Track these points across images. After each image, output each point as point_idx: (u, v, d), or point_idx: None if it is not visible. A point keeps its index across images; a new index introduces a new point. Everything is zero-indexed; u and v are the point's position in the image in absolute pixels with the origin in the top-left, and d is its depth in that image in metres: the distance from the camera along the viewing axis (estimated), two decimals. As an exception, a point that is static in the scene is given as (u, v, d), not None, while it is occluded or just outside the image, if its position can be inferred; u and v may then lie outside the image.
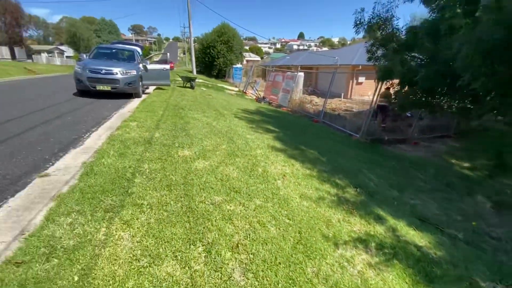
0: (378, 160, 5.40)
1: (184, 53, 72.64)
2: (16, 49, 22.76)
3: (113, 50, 9.17)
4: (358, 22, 6.24)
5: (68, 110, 5.91)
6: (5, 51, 21.20)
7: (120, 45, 10.70)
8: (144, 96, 8.71)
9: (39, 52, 36.41)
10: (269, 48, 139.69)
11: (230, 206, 2.19)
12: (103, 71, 7.45)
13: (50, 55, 39.21)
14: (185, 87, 11.67)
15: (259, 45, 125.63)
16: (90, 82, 7.42)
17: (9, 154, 3.19)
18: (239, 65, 27.41)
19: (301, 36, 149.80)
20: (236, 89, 18.85)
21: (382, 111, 9.12)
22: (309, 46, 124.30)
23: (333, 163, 4.07)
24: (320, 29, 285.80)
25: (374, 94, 7.11)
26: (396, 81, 6.37)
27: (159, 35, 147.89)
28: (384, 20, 6.41)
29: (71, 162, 3.10)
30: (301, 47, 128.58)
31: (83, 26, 52.63)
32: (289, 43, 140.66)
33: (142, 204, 2.08)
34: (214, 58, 27.20)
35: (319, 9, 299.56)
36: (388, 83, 6.49)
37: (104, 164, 2.80)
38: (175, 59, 78.67)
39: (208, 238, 1.77)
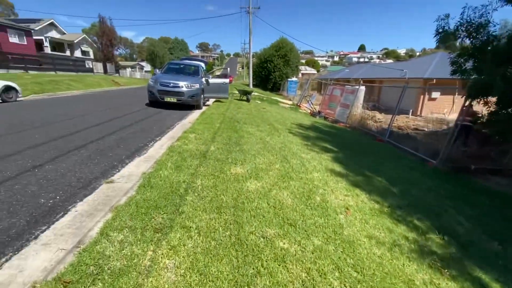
0: (465, 196, 4.33)
1: (242, 68, 76.91)
2: (108, 65, 27.65)
3: (181, 66, 10.05)
4: (441, 30, 5.34)
5: (140, 119, 6.54)
6: (99, 66, 26.12)
7: (188, 60, 11.73)
8: (204, 108, 9.21)
9: (124, 67, 43.43)
10: (326, 61, 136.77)
11: (284, 243, 1.89)
12: (171, 85, 8.15)
13: (132, 69, 46.31)
14: (241, 99, 12.02)
15: (316, 58, 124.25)
16: (160, 94, 8.19)
17: (87, 158, 3.56)
18: (294, 79, 27.31)
19: (361, 48, 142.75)
20: (290, 102, 18.66)
21: (465, 133, 7.58)
22: (371, 58, 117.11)
23: (407, 196, 3.37)
24: (383, 40, 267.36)
25: (462, 112, 5.90)
26: (492, 99, 5.17)
27: (221, 51, 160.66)
28: (477, 27, 5.34)
29: (134, 170, 3.27)
30: (361, 60, 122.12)
31: (160, 45, 60.80)
32: (348, 55, 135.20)
33: (190, 227, 1.95)
34: (270, 72, 27.77)
35: (382, 20, 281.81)
36: (481, 100, 5.29)
37: (161, 177, 2.84)
38: (234, 73, 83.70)
39: (257, 284, 1.49)
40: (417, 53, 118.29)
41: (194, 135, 4.70)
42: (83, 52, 38.83)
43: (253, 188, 2.72)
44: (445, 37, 5.38)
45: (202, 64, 11.51)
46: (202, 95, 9.23)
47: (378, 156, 5.60)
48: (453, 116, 18.69)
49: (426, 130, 13.69)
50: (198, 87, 8.57)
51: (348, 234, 2.12)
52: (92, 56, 39.12)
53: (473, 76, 5.52)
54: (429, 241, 2.38)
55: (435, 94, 17.70)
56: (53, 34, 35.76)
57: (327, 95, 13.34)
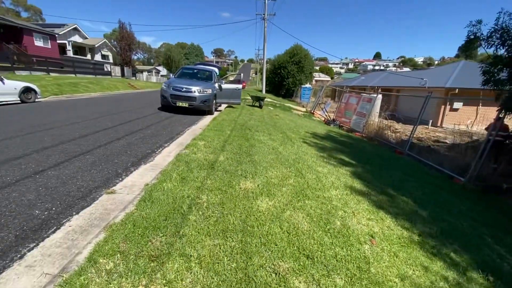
0: (502, 222, 3.84)
1: (256, 73, 77.38)
2: (125, 69, 28.46)
3: (195, 71, 10.00)
4: (472, 37, 4.91)
5: (151, 123, 6.44)
6: (117, 70, 26.95)
7: (201, 65, 11.71)
8: (216, 113, 9.06)
9: (141, 71, 44.62)
10: (341, 68, 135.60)
11: (300, 282, 1.58)
12: (184, 89, 8.06)
13: (149, 73, 47.48)
14: (253, 105, 11.82)
15: (330, 65, 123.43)
16: (172, 98, 8.12)
17: (91, 164, 3.40)
18: (308, 85, 26.98)
19: (377, 56, 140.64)
20: (303, 109, 18.30)
21: (497, 149, 6.97)
22: (387, 66, 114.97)
23: (439, 221, 2.97)
24: (399, 48, 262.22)
25: (494, 126, 5.37)
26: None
27: (235, 57, 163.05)
28: (515, 33, 4.87)
29: (138, 179, 3.07)
30: (376, 67, 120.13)
31: (176, 51, 62.22)
32: (363, 63, 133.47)
33: (191, 256, 1.69)
34: (283, 78, 27.58)
35: (398, 28, 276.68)
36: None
37: (164, 190, 2.61)
38: (247, 79, 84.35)
39: None
40: (436, 62, 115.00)
41: (203, 143, 4.49)
42: (103, 56, 40.27)
43: (264, 208, 2.44)
44: (472, 44, 4.94)
45: (216, 70, 11.45)
46: (214, 101, 9.10)
47: (400, 171, 5.16)
48: (476, 128, 17.69)
49: (448, 142, 12.94)
50: (210, 92, 8.45)
51: (376, 272, 1.78)
52: (111, 60, 40.50)
53: (508, 87, 5.03)
54: (472, 282, 2.00)
55: (457, 105, 16.81)
56: (76, 38, 37.36)
57: (343, 103, 12.91)
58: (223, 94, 9.71)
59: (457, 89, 16.10)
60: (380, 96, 11.09)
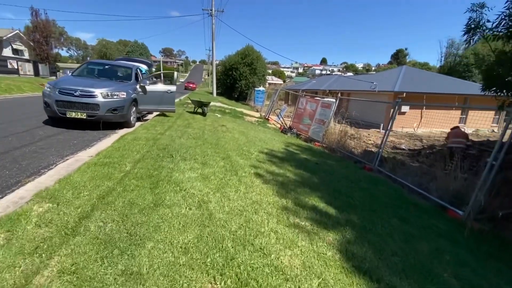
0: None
1: (208, 75, 73.96)
2: (40, 66, 22.87)
3: (106, 67, 7.29)
4: (473, 25, 3.66)
5: (13, 147, 3.76)
6: (28, 67, 21.33)
7: (122, 61, 8.97)
8: (138, 124, 6.58)
9: (65, 69, 37.60)
10: (292, 72, 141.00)
11: None
12: (78, 93, 5.40)
13: (79, 73, 40.54)
14: (195, 112, 9.55)
15: (282, 69, 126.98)
16: (59, 107, 5.38)
17: None
18: (261, 88, 25.65)
19: (323, 61, 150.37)
20: (257, 114, 16.65)
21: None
22: (332, 71, 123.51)
23: None
24: (342, 55, 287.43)
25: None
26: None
27: (186, 57, 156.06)
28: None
29: None
30: (323, 72, 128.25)
31: (115, 47, 55.13)
32: (312, 67, 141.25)
33: None
34: (236, 80, 25.72)
35: (342, 35, 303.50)
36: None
37: None
38: (199, 81, 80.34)
39: None
40: (373, 68, 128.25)
41: (47, 206, 2.16)
42: (15, 51, 32.52)
43: None
44: (473, 35, 3.73)
45: (143, 66, 8.85)
46: (134, 108, 6.60)
47: (390, 209, 3.63)
48: (421, 130, 18.59)
49: (405, 148, 12.68)
50: (124, 96, 5.95)
51: None
52: (27, 56, 32.95)
53: None
54: None
55: (405, 108, 17.26)
56: (-27, 27, 29.37)
57: (300, 108, 11.55)
58: (150, 99, 7.25)
59: (404, 93, 16.48)
60: (332, 100, 9.97)
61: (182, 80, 78.76)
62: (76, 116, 5.39)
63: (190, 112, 9.66)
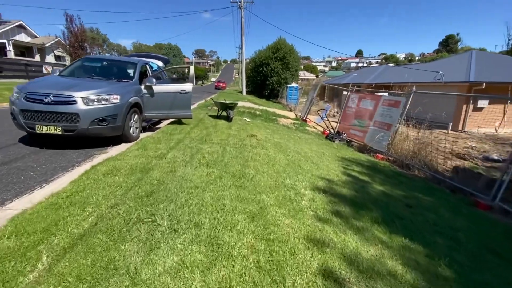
0: None
1: (238, 74, 73.11)
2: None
3: (104, 63, 5.73)
4: None
5: None
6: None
7: (125, 57, 7.50)
8: (144, 135, 4.92)
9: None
10: (324, 66, 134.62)
11: None
12: (49, 98, 3.81)
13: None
14: (219, 116, 7.73)
15: (314, 63, 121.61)
16: (26, 118, 3.86)
17: None
18: (294, 84, 23.27)
19: (359, 53, 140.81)
20: (292, 114, 14.40)
21: None
22: (370, 63, 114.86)
23: None
24: (380, 46, 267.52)
25: None
26: None
27: (218, 58, 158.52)
28: None
29: None
30: (360, 65, 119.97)
31: (148, 50, 56.92)
32: (346, 60, 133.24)
33: None
34: (266, 77, 23.66)
35: (378, 25, 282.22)
36: None
37: None
38: (230, 80, 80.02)
39: None
40: (416, 58, 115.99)
41: None
42: (57, 58, 34.68)
43: None
44: None
45: (157, 63, 7.26)
46: (136, 116, 4.95)
47: None
48: (504, 130, 14.52)
49: (496, 157, 9.42)
50: (118, 101, 4.28)
51: None
52: (68, 62, 34.85)
53: None
54: None
55: (482, 103, 13.55)
56: (22, 37, 31.73)
57: (350, 107, 9.07)
58: (158, 103, 5.55)
59: (484, 84, 12.84)
60: (405, 97, 7.35)
61: (213, 79, 79.05)
62: (48, 131, 3.83)
63: (213, 117, 7.85)
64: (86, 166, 3.24)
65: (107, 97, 4.21)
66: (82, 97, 3.95)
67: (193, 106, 11.45)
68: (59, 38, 33.27)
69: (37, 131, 3.83)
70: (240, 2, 21.98)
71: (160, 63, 7.55)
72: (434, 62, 21.45)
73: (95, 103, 4.07)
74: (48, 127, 3.82)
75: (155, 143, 4.32)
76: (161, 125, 6.46)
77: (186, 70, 6.21)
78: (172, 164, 3.30)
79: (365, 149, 7.70)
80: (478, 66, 14.59)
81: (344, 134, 8.56)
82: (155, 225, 1.97)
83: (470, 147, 10.54)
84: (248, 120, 8.18)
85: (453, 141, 11.47)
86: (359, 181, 4.03)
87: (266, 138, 5.68)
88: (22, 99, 3.84)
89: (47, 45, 32.44)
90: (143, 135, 5.16)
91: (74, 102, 3.89)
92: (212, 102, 8.11)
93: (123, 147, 4.38)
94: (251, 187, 2.86)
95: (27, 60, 20.53)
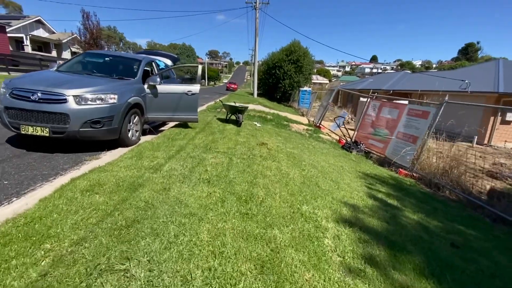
0: None
1: (250, 76, 72.86)
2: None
3: (106, 59, 5.31)
4: None
5: None
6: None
7: (129, 54, 7.10)
8: (145, 139, 4.46)
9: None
10: (338, 71, 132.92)
11: None
12: (36, 96, 3.38)
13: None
14: (228, 120, 7.21)
15: (327, 68, 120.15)
16: (10, 117, 3.45)
17: None
18: (307, 88, 22.59)
19: (374, 59, 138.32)
20: (305, 119, 13.75)
21: None
22: (385, 69, 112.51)
23: None
24: (394, 52, 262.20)
25: None
26: None
27: (231, 59, 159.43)
28: None
29: None
30: (374, 70, 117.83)
31: (162, 49, 57.53)
32: (361, 66, 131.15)
33: None
34: (279, 80, 23.09)
35: (393, 32, 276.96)
36: None
37: None
38: (241, 82, 79.88)
39: None
40: (434, 65, 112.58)
41: None
42: (73, 54, 35.34)
43: None
44: None
45: (165, 61, 6.83)
46: (136, 118, 4.50)
47: None
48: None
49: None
50: (115, 101, 3.83)
51: None
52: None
53: None
54: None
55: (511, 116, 12.49)
56: (40, 32, 32.46)
57: (369, 115, 8.37)
58: (162, 104, 5.08)
59: (516, 95, 11.81)
60: (435, 108, 6.63)
61: (225, 81, 79.06)
62: (34, 133, 3.39)
63: (222, 120, 7.34)
64: (70, 175, 2.76)
65: (102, 96, 3.76)
66: (74, 96, 3.50)
67: (202, 107, 10.99)
68: (75, 35, 33.93)
69: (22, 132, 3.40)
70: (256, 2, 21.56)
71: (169, 62, 7.11)
72: (456, 70, 20.28)
73: (89, 102, 3.62)
74: (34, 127, 3.38)
75: (153, 150, 3.82)
76: (165, 127, 6.00)
77: (198, 71, 5.72)
78: (167, 180, 2.77)
79: (385, 162, 6.99)
80: (506, 76, 13.52)
81: (362, 144, 7.87)
82: (127, 277, 1.43)
83: (500, 164, 9.59)
84: (258, 125, 7.62)
85: (480, 157, 10.52)
86: (388, 207, 3.39)
87: (278, 148, 5.10)
88: (8, 95, 3.43)
89: (64, 41, 33.06)
90: (143, 139, 4.69)
91: (64, 100, 3.45)
92: (221, 104, 7.60)
93: (118, 152, 3.92)
94: (260, 216, 2.29)
95: (42, 55, 20.80)
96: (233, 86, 40.35)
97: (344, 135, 8.46)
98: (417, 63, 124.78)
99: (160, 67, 6.05)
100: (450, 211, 4.14)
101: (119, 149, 4.15)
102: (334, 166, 4.87)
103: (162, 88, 5.06)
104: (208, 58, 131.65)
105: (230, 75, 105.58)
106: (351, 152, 7.62)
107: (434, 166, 5.86)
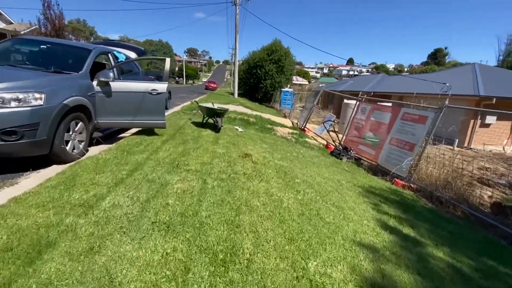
0: None
1: (231, 75, 71.44)
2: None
3: (43, 47, 4.08)
4: None
5: None
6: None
7: (74, 42, 5.87)
8: (94, 150, 3.32)
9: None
10: (316, 72, 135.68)
11: None
12: None
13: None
14: (205, 124, 6.21)
15: (306, 69, 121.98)
16: None
17: None
18: (289, 89, 22.10)
19: (350, 61, 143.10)
20: (288, 122, 13.06)
21: None
22: (360, 71, 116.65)
23: None
24: (369, 56, 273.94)
25: None
26: None
27: (210, 58, 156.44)
28: None
29: None
30: (351, 72, 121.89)
31: (136, 46, 54.59)
32: (338, 68, 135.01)
33: None
34: (260, 80, 22.32)
35: (369, 36, 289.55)
36: None
37: None
38: (221, 81, 78.24)
39: None
40: (405, 69, 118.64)
41: None
42: (34, 47, 31.95)
43: None
44: None
45: (125, 52, 5.66)
46: (79, 124, 3.38)
47: None
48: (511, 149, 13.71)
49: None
50: (41, 103, 2.69)
51: None
52: (48, 53, 32.00)
53: None
54: None
55: (491, 119, 12.73)
56: (-6, 22, 28.87)
57: (359, 119, 7.79)
58: (118, 106, 3.99)
59: (494, 99, 12.00)
60: (434, 112, 6.17)
61: (204, 79, 76.78)
62: None
63: (197, 124, 6.32)
64: None
65: (20, 95, 2.65)
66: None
67: (176, 108, 9.82)
68: (35, 26, 30.64)
69: None
70: (236, -2, 20.58)
71: (133, 55, 5.97)
72: (433, 73, 20.79)
73: (-3, 104, 2.50)
74: None
75: (95, 171, 2.76)
76: (126, 133, 4.88)
77: (179, 67, 4.68)
78: (101, 228, 1.78)
79: (378, 170, 6.42)
80: (484, 80, 13.83)
81: (352, 150, 7.25)
82: None
83: (485, 168, 9.52)
84: (240, 129, 6.70)
85: (465, 161, 10.46)
86: (408, 242, 2.64)
87: (264, 159, 4.23)
88: None
89: (22, 32, 29.57)
90: (91, 152, 3.59)
91: None
92: (197, 105, 6.58)
93: (49, 173, 2.82)
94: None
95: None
96: (212, 85, 38.97)
97: (334, 141, 7.80)
98: (391, 66, 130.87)
99: (118, 60, 4.91)
100: (465, 235, 3.52)
101: (54, 166, 3.05)
102: (331, 182, 4.09)
103: (118, 85, 3.97)
104: (186, 56, 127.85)
105: (210, 74, 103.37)
106: (341, 159, 6.96)
107: (435, 177, 5.33)
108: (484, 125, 12.86)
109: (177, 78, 73.28)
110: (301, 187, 3.35)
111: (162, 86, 4.30)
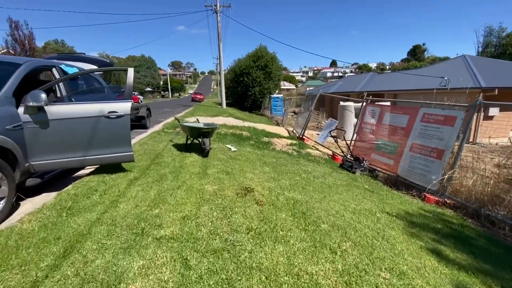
0: None
1: (217, 85, 70.50)
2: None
3: None
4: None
5: None
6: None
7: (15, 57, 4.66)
8: (21, 212, 2.04)
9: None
10: (302, 76, 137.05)
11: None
12: None
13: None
14: (188, 147, 5.05)
15: (291, 74, 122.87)
16: None
17: None
18: (279, 95, 21.28)
19: (333, 63, 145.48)
20: (283, 130, 12.03)
21: None
22: (344, 72, 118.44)
23: None
24: (351, 56, 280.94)
25: None
26: None
27: (195, 69, 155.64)
28: None
29: None
30: (335, 74, 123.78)
31: (119, 63, 53.33)
32: (322, 70, 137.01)
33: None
34: (248, 87, 21.42)
35: (350, 35, 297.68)
36: None
37: None
38: (208, 91, 77.18)
39: None
40: (387, 67, 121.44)
41: None
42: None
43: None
44: None
45: (80, 66, 4.49)
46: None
47: None
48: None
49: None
50: None
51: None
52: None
53: None
54: None
55: (494, 111, 12.15)
56: (-43, 47, 26.89)
57: (368, 124, 6.82)
58: (60, 138, 2.80)
59: (496, 90, 11.45)
60: (463, 111, 5.25)
61: (191, 91, 75.42)
62: None
63: (180, 148, 5.13)
64: None
65: None
66: None
67: (157, 127, 8.59)
68: (7, 49, 28.80)
69: None
70: (216, 5, 19.76)
71: (92, 67, 4.80)
72: (426, 68, 20.43)
73: None
74: None
75: (2, 258, 1.56)
76: (82, 171, 3.67)
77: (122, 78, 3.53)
78: None
79: (399, 183, 5.42)
80: (481, 71, 13.34)
81: (365, 160, 6.24)
82: None
83: (503, 165, 8.71)
84: (233, 149, 5.57)
85: (477, 157, 9.67)
86: None
87: (271, 194, 3.11)
88: None
89: (-10, 56, 27.80)
90: (20, 210, 2.38)
91: None
92: (181, 123, 5.39)
93: None
94: None
95: None
96: (198, 96, 37.83)
97: (342, 151, 6.78)
98: (373, 65, 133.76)
99: (62, 75, 3.72)
100: None
101: None
102: (364, 218, 3.01)
103: (58, 110, 2.80)
104: (171, 69, 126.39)
105: (196, 86, 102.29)
106: (354, 172, 5.94)
107: (479, 190, 4.36)
108: (488, 118, 12.25)
109: (162, 92, 71.72)
110: (333, 241, 2.24)
111: (123, 106, 3.14)
